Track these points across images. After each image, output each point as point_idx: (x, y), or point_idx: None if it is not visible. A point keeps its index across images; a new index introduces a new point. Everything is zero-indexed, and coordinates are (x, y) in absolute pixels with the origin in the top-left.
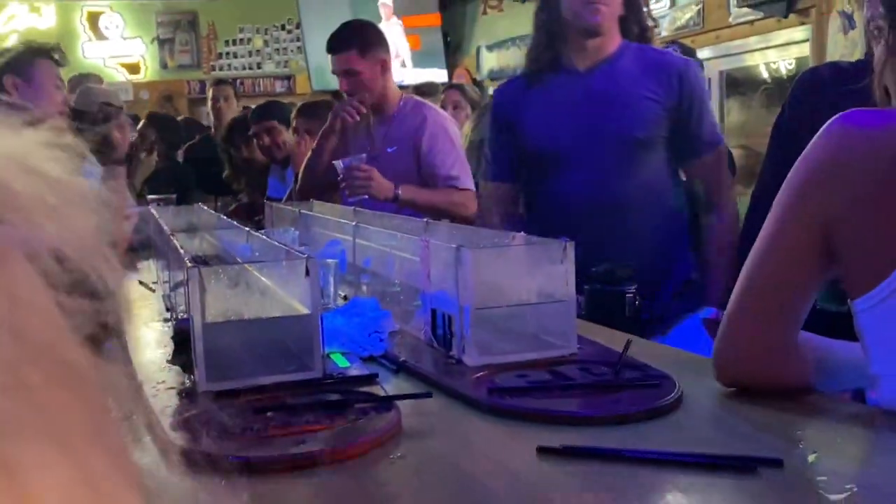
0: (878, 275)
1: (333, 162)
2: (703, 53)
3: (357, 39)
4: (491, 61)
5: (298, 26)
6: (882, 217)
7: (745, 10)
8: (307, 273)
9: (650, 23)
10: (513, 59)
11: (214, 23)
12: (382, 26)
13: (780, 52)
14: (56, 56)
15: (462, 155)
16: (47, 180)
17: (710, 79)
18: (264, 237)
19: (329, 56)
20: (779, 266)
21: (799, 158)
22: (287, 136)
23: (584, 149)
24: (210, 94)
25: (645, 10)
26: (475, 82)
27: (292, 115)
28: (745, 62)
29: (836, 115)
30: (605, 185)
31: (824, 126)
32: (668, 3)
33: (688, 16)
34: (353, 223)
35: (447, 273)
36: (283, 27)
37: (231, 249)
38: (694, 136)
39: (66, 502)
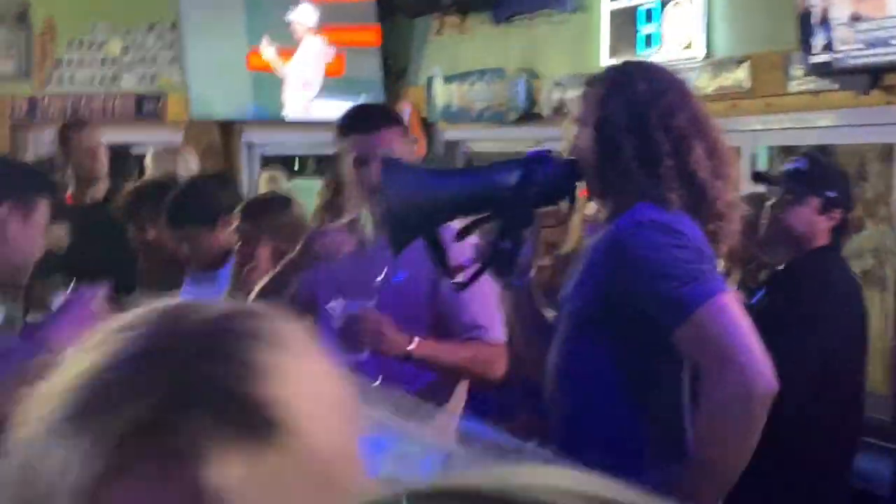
0: None
1: (328, 306)
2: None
3: (393, 116)
4: (447, 97)
5: (175, 28)
6: None
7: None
8: None
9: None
10: (480, 96)
11: (54, 18)
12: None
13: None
14: None
15: (493, 295)
16: None
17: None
18: None
19: (351, 136)
20: None
21: None
22: (213, 237)
23: (562, 311)
24: (62, 137)
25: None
26: (425, 123)
27: (235, 213)
28: (803, 138)
29: None
30: (560, 355)
31: None
32: (703, 53)
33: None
34: None
35: None
36: (151, 28)
37: None
38: (653, 309)
39: None
